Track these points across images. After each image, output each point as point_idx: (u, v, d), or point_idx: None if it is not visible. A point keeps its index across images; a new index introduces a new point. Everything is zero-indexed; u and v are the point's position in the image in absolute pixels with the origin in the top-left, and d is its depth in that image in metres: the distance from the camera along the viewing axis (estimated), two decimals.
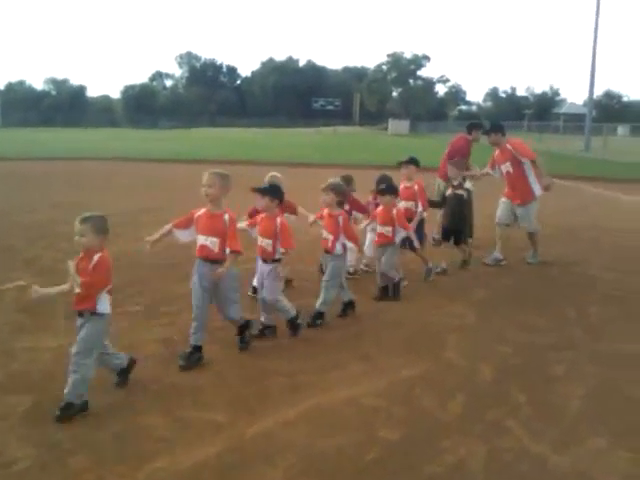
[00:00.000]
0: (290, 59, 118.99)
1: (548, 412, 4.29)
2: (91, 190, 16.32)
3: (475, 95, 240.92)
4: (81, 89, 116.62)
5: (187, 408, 4.24)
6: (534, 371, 5.02)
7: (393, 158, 9.76)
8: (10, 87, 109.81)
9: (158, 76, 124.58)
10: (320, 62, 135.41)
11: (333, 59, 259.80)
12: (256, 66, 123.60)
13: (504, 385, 4.71)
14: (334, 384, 4.66)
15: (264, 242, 5.54)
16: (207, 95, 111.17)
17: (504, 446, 3.80)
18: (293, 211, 6.69)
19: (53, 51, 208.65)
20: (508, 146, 8.70)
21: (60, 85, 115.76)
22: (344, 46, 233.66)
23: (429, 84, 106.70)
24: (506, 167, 8.76)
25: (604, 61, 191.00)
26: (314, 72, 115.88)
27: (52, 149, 32.51)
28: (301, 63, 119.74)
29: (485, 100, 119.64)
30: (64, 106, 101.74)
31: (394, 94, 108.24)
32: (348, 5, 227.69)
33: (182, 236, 5.11)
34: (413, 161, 8.04)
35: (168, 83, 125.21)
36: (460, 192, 8.17)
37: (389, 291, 6.87)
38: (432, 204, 8.21)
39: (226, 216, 4.89)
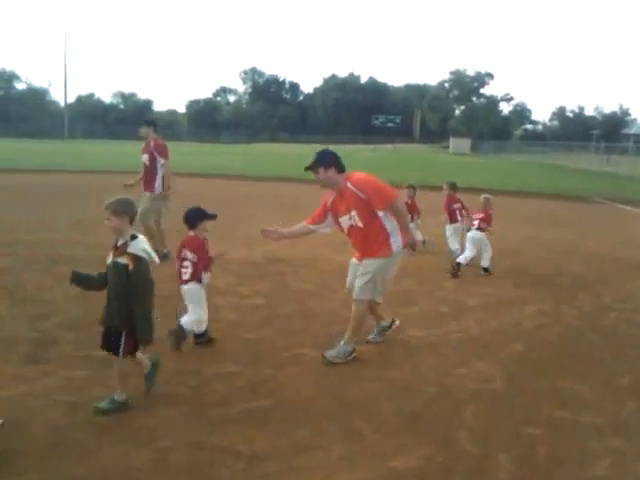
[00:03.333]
0: (352, 76, 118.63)
1: None
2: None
3: (541, 114, 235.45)
4: (147, 103, 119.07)
5: None
6: (567, 466, 3.89)
7: (455, 180, 9.97)
8: (79, 100, 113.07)
9: (222, 91, 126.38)
10: (382, 79, 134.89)
11: (395, 76, 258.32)
12: (318, 82, 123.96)
13: None
14: (304, 476, 3.66)
15: None
16: (269, 110, 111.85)
17: None
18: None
19: (123, 66, 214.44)
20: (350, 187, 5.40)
21: (127, 99, 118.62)
22: (406, 63, 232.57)
23: (492, 102, 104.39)
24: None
25: None
26: (375, 89, 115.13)
27: (115, 162, 32.58)
28: (363, 80, 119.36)
29: (551, 119, 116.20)
30: (130, 119, 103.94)
31: (456, 112, 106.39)
32: (411, 22, 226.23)
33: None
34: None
35: (231, 98, 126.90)
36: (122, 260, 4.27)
37: None
38: None
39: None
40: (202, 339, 5.77)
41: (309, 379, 5.08)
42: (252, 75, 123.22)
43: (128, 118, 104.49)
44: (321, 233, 5.91)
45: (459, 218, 10.47)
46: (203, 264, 5.63)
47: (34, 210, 14.64)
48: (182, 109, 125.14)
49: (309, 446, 3.99)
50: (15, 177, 23.89)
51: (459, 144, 76.58)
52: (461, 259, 9.17)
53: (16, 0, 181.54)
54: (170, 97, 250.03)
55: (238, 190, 21.91)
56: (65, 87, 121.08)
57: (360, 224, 5.40)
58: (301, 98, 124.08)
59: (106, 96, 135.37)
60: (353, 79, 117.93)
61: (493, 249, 9.37)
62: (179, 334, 5.57)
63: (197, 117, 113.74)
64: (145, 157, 9.51)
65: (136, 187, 9.35)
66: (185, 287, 5.62)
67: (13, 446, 3.85)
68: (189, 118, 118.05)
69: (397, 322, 6.20)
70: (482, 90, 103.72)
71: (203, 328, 5.75)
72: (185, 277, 5.58)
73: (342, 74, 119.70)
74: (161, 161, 9.43)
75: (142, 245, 4.26)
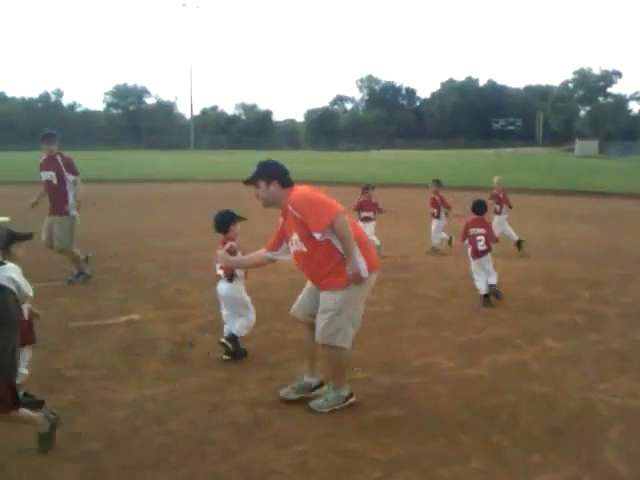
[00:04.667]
0: (470, 79, 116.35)
1: None
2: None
3: None
4: (268, 114, 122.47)
5: None
6: None
7: (581, 183, 9.10)
8: (204, 112, 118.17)
9: (339, 100, 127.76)
10: (501, 81, 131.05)
11: (514, 77, 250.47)
12: (435, 87, 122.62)
13: None
14: None
15: None
16: (386, 117, 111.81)
17: None
18: None
19: (244, 78, 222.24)
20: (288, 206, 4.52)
21: (249, 110, 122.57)
22: (526, 64, 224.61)
23: (621, 101, 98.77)
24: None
25: None
26: (494, 92, 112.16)
27: (237, 171, 33.73)
28: (481, 83, 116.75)
29: None
30: (252, 130, 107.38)
31: (581, 113, 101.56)
32: (530, 22, 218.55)
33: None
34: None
35: (348, 106, 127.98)
36: None
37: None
38: None
39: None
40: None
41: (442, 388, 4.99)
42: (368, 83, 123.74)
43: (250, 129, 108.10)
44: (282, 261, 4.96)
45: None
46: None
47: (167, 218, 15.44)
48: (300, 118, 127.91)
49: (446, 457, 3.90)
50: (148, 186, 25.34)
51: (586, 146, 72.95)
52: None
53: (145, 22, 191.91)
54: (289, 107, 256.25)
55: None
56: (191, 101, 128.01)
57: (304, 249, 4.45)
58: (418, 104, 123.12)
59: (229, 108, 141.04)
60: (471, 82, 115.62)
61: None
62: (234, 343, 5.52)
63: (315, 126, 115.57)
64: (50, 175, 8.38)
65: (42, 204, 8.67)
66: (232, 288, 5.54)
67: (159, 442, 4.04)
68: (307, 127, 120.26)
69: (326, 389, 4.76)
70: (609, 89, 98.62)
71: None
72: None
73: (460, 78, 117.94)
74: (71, 178, 8.40)
75: (8, 273, 3.63)
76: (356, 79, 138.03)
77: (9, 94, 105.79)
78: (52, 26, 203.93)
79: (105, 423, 4.29)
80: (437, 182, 11.60)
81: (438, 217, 11.23)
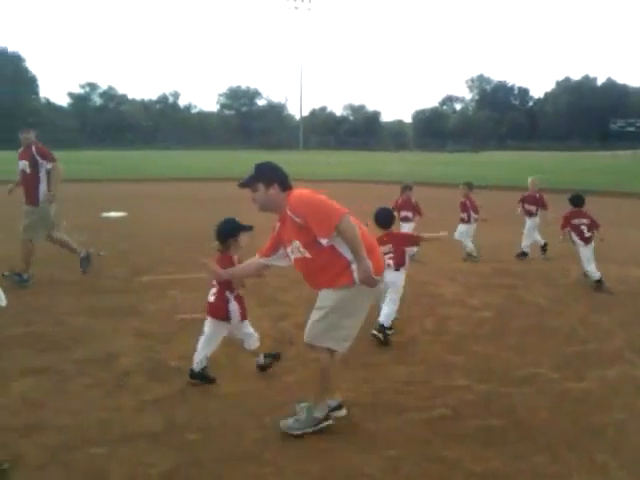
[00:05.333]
0: (587, 78, 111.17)
1: None
2: None
3: None
4: (375, 114, 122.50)
5: None
6: None
7: None
8: (313, 113, 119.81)
9: (448, 100, 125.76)
10: (621, 80, 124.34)
11: (636, 76, 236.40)
12: (550, 86, 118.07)
13: None
14: None
15: None
16: (497, 118, 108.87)
17: None
18: None
19: (353, 79, 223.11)
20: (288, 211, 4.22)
21: (357, 111, 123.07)
22: None
23: None
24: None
25: None
26: (613, 91, 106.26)
27: (345, 171, 34.07)
28: (599, 81, 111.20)
29: None
30: (360, 130, 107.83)
31: None
32: None
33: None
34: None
35: (458, 107, 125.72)
36: None
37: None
38: None
39: None
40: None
41: (546, 400, 4.76)
42: (479, 82, 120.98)
43: (357, 129, 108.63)
44: (277, 267, 4.65)
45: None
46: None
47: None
48: (408, 119, 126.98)
49: (548, 474, 3.72)
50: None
51: None
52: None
53: (258, 26, 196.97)
54: (397, 108, 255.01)
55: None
56: (300, 102, 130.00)
57: (307, 254, 4.15)
58: (531, 104, 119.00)
59: (337, 109, 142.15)
60: (588, 81, 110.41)
61: None
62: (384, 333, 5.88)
63: (423, 127, 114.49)
64: (24, 164, 8.34)
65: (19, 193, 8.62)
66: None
67: (254, 436, 4.11)
68: (415, 128, 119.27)
69: (343, 412, 4.44)
70: None
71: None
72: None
73: (576, 77, 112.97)
74: (48, 165, 8.28)
75: None
76: (466, 79, 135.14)
77: (130, 96, 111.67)
78: (170, 32, 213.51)
79: (203, 414, 4.41)
80: (468, 185, 10.96)
81: (468, 222, 10.63)
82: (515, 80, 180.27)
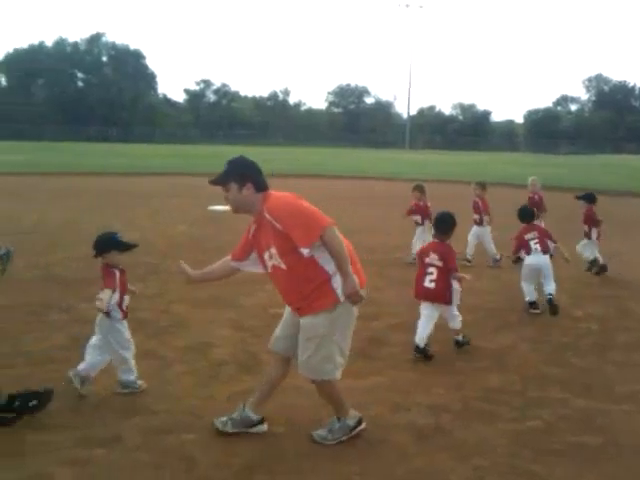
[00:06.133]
0: None
1: None
2: None
3: None
4: (485, 114, 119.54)
5: None
6: None
7: None
8: (421, 112, 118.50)
9: (563, 100, 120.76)
10: None
11: None
12: None
13: None
14: None
15: None
16: (615, 120, 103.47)
17: None
18: None
19: (464, 78, 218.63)
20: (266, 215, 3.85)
21: (466, 110, 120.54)
22: None
23: None
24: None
25: None
26: None
27: (453, 170, 33.53)
28: None
29: None
30: (468, 130, 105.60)
31: None
32: None
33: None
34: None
35: (573, 107, 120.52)
36: None
37: None
38: None
39: None
40: None
41: None
42: (597, 82, 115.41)
43: (466, 129, 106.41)
44: (248, 272, 4.36)
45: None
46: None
47: (373, 213, 15.73)
48: (520, 119, 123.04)
49: None
50: (355, 183, 26.01)
51: None
52: None
53: (368, 24, 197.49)
54: (508, 107, 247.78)
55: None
56: (408, 100, 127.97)
57: (283, 265, 3.80)
58: None
59: (446, 108, 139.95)
60: None
61: None
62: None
63: (535, 127, 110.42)
64: None
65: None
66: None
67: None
68: (526, 128, 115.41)
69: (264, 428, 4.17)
70: None
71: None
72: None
73: None
74: None
75: None
76: (583, 78, 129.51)
77: (242, 93, 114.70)
78: (282, 31, 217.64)
79: (291, 409, 4.49)
80: (481, 185, 10.16)
81: (480, 224, 9.84)
82: (637, 80, 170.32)
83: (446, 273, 5.58)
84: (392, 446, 4.01)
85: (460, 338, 5.86)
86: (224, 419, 4.11)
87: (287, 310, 4.12)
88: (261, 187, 3.88)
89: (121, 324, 4.66)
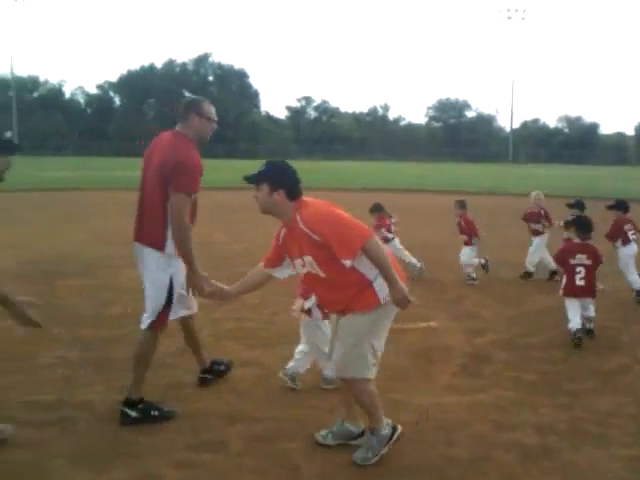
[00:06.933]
0: None
1: None
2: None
3: None
4: (593, 126, 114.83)
5: None
6: None
7: None
8: (525, 125, 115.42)
9: None
10: None
11: None
12: None
13: None
14: None
15: None
16: None
17: None
18: None
19: (569, 90, 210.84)
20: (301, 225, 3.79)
21: (573, 122, 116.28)
22: None
23: None
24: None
25: None
26: None
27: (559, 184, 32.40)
28: None
29: None
30: (574, 143, 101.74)
31: None
32: None
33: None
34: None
35: None
36: None
37: None
38: None
39: None
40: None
41: None
42: None
43: (572, 142, 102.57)
44: (282, 278, 4.23)
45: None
46: None
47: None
48: (631, 132, 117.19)
49: None
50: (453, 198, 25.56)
51: None
52: None
53: (469, 37, 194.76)
54: (618, 119, 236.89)
55: None
56: (511, 113, 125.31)
57: (321, 274, 3.77)
58: None
59: (551, 121, 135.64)
60: None
61: None
62: None
63: None
64: None
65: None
66: None
67: (441, 451, 4.07)
68: (638, 141, 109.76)
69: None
70: None
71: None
72: None
73: None
74: None
75: None
76: None
77: (342, 109, 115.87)
78: (381, 46, 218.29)
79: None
80: (460, 203, 9.67)
81: (470, 243, 9.39)
82: None
83: (593, 270, 6.30)
84: (496, 465, 3.92)
85: (592, 326, 6.47)
86: (324, 432, 4.18)
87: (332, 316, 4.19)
88: (294, 195, 3.83)
89: (323, 323, 4.96)
